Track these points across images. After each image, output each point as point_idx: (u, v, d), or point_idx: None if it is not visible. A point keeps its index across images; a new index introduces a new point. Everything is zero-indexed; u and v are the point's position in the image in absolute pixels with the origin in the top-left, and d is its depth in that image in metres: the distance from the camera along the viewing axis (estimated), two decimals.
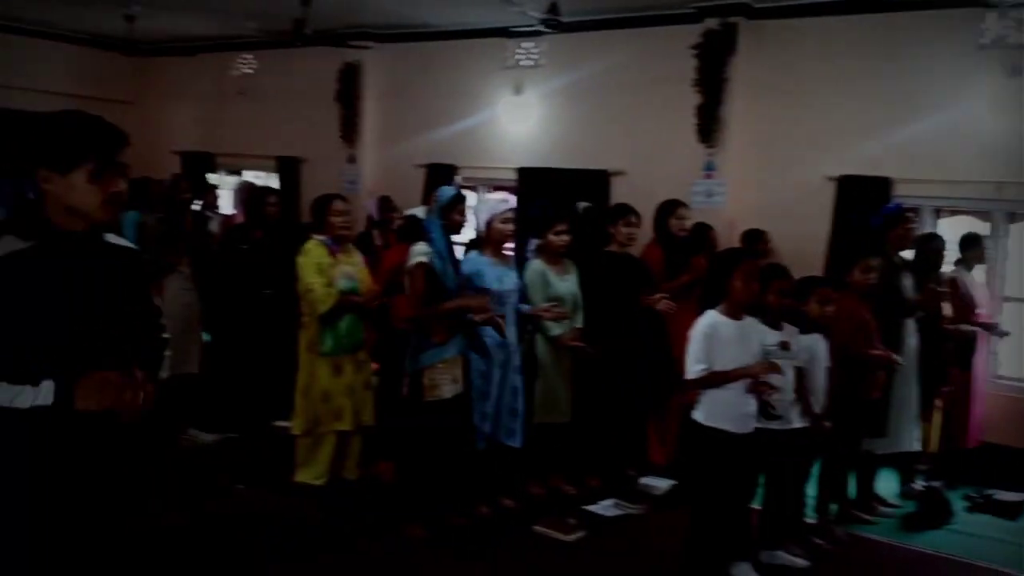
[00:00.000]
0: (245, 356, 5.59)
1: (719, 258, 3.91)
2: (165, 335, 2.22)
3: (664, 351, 5.14)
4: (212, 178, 10.67)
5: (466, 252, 4.76)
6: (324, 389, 4.69)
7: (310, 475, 4.78)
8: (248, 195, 5.69)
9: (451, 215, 4.17)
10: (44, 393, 1.86)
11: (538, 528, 4.44)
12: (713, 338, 3.53)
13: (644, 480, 5.14)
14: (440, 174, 8.97)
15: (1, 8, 9.39)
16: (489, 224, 4.49)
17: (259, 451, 5.38)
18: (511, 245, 5.02)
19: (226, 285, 5.63)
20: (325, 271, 4.63)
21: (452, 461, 4.23)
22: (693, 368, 3.55)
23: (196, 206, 6.87)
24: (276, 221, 5.61)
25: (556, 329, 4.74)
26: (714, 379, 3.52)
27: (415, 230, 5.24)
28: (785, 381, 3.75)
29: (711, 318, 3.59)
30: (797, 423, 3.99)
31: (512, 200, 4.70)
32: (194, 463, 5.10)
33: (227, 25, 9.44)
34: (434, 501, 4.27)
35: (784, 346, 3.75)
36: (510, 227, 4.51)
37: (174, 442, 5.29)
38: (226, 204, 8.60)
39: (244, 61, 9.65)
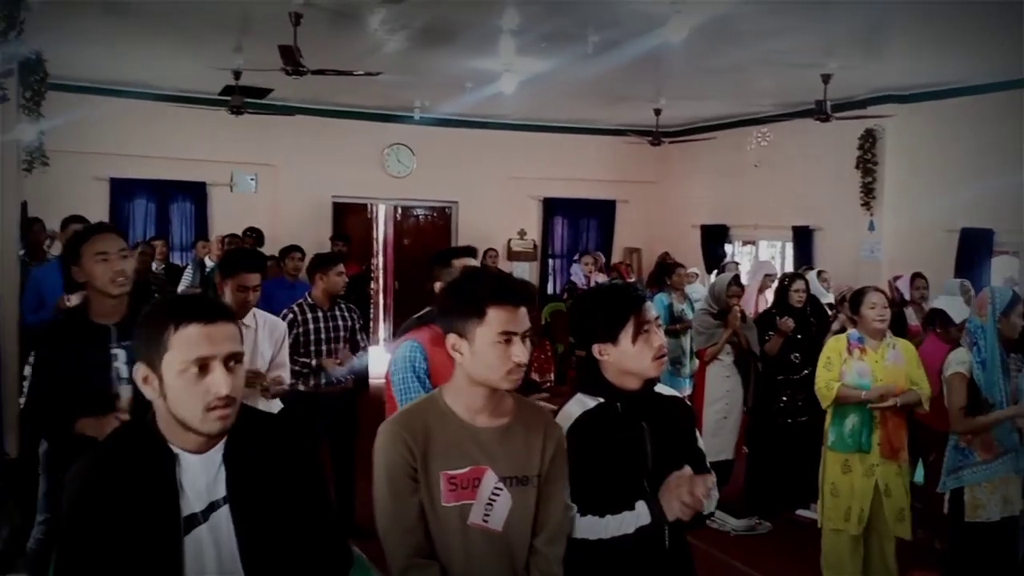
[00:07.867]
0: (779, 441, 5.65)
1: None
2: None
3: None
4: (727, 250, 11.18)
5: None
6: (833, 483, 4.51)
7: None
8: (779, 283, 5.86)
9: (1009, 320, 3.78)
10: (641, 513, 2.16)
11: None
12: None
13: None
14: (975, 239, 8.19)
15: (548, 112, 11.03)
16: None
17: (785, 542, 5.37)
18: None
19: (762, 369, 5.76)
20: (835, 366, 4.50)
21: None
22: None
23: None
24: (801, 309, 5.66)
25: None
26: None
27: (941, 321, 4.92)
28: None
29: None
30: None
31: None
32: (716, 550, 5.20)
33: (744, 104, 9.85)
34: None
35: None
36: None
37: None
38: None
39: (760, 135, 9.94)
